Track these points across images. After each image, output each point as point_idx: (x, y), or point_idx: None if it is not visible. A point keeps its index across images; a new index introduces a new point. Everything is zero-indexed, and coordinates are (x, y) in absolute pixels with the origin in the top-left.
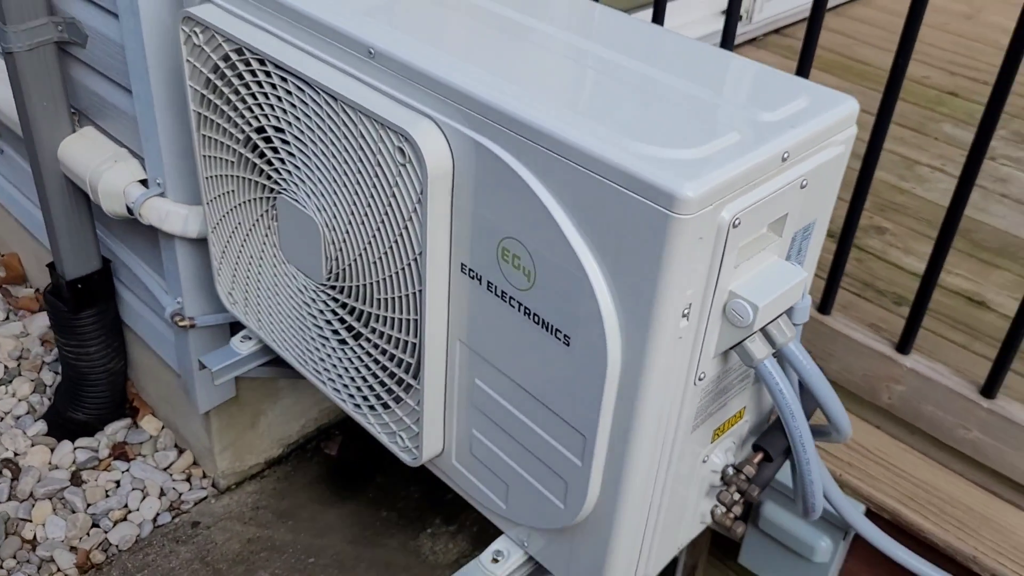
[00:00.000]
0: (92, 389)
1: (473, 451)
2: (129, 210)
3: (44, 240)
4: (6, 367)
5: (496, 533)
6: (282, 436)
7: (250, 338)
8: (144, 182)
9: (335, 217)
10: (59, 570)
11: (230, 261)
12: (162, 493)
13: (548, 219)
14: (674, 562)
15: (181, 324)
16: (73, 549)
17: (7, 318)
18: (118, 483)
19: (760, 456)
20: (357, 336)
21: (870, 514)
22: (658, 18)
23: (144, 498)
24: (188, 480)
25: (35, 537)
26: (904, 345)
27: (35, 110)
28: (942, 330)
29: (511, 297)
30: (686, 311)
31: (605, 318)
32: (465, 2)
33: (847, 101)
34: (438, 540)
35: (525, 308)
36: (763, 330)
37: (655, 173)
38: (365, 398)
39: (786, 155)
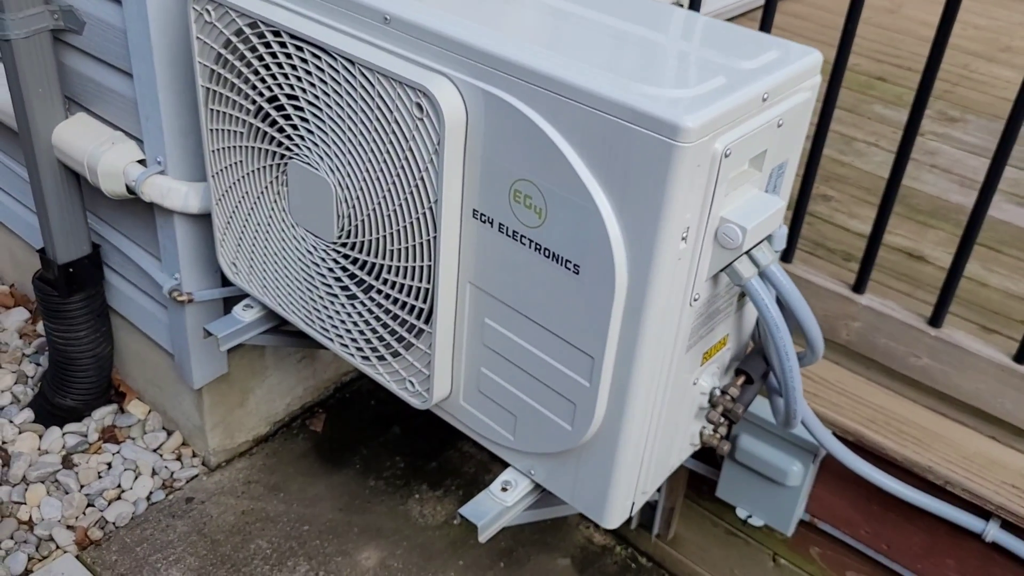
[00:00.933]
0: (80, 374)
1: (481, 388)
2: (129, 189)
3: (19, 232)
4: None
5: (480, 491)
6: (269, 414)
7: (251, 306)
8: (142, 162)
9: (349, 176)
10: (59, 547)
11: (235, 231)
12: (154, 472)
13: (560, 158)
14: (653, 507)
15: (180, 299)
16: (71, 528)
17: None
18: (110, 465)
19: (743, 379)
20: (368, 289)
21: (836, 437)
22: None
23: (137, 477)
24: (179, 459)
25: (31, 518)
26: (859, 285)
27: (31, 97)
28: (888, 281)
29: (522, 235)
30: (684, 234)
31: (613, 244)
32: None
33: (812, 53)
34: (426, 504)
35: (536, 244)
36: (748, 253)
37: (659, 108)
38: (374, 349)
39: (766, 96)
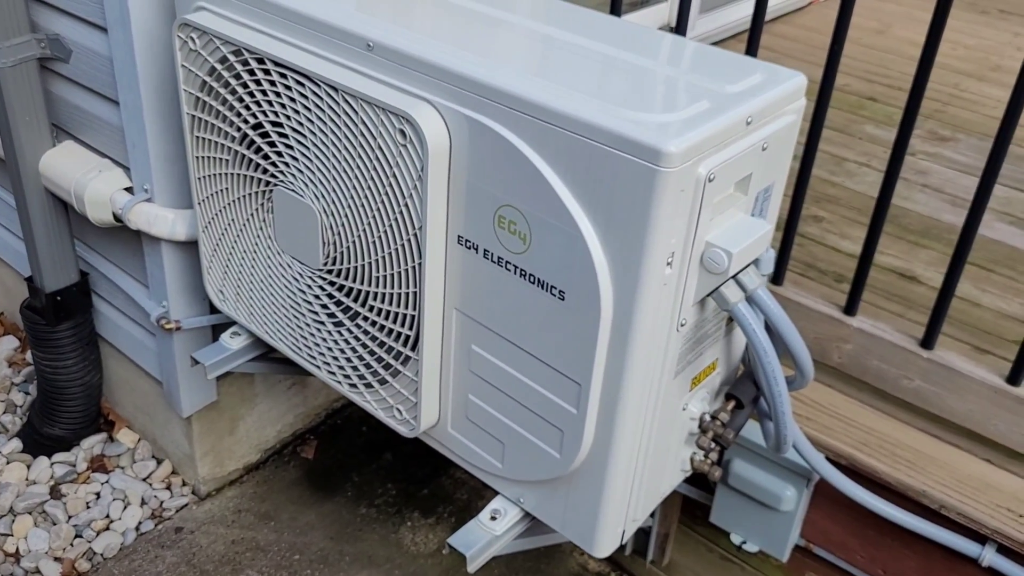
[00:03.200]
0: (69, 403)
1: (469, 416)
2: (116, 217)
3: (8, 260)
4: None
5: (472, 518)
6: (260, 441)
7: (239, 334)
8: (129, 190)
9: (334, 203)
10: None
11: (221, 258)
12: (143, 502)
13: (544, 184)
14: (647, 532)
15: (167, 327)
16: (58, 559)
17: None
18: (98, 495)
19: (733, 404)
20: (354, 316)
21: (829, 461)
22: (615, 11)
23: (126, 507)
24: (168, 488)
25: (18, 550)
26: (851, 307)
27: (18, 125)
28: (879, 302)
29: (507, 262)
30: (670, 260)
31: (598, 270)
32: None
33: (797, 76)
34: (418, 532)
35: (521, 270)
36: (735, 278)
37: (642, 133)
38: (361, 376)
39: (750, 120)
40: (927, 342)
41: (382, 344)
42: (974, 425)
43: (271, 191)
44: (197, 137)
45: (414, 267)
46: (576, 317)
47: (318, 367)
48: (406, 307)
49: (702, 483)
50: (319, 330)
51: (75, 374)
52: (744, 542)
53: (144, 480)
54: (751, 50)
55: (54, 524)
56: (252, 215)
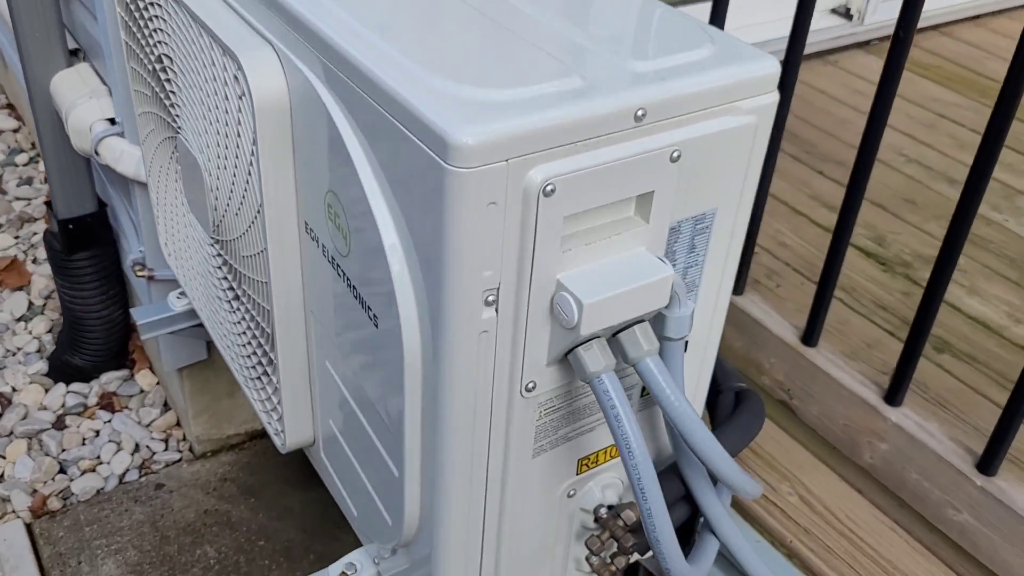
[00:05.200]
0: (88, 335)
1: (327, 445)
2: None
3: None
4: (32, 303)
5: None
6: None
7: (185, 295)
8: (113, 120)
9: (209, 160)
10: (12, 511)
11: (162, 208)
12: (136, 449)
13: (351, 168)
14: None
15: (140, 274)
16: (33, 492)
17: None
18: (97, 432)
19: None
20: (237, 298)
21: None
22: None
23: (117, 451)
24: (165, 441)
25: (3, 475)
26: (893, 395)
27: (27, 41)
28: (973, 378)
29: (337, 263)
30: (490, 298)
31: (399, 295)
32: None
33: (764, 60)
34: None
35: (347, 278)
36: (616, 337)
37: (433, 110)
38: (245, 368)
39: (641, 113)
40: (985, 464)
41: (255, 337)
42: None
43: (177, 139)
44: (131, 68)
45: (261, 252)
46: (386, 352)
47: (223, 348)
48: (263, 298)
49: None
50: (220, 307)
51: (94, 307)
52: None
53: (146, 427)
54: (718, 18)
55: (46, 455)
56: (168, 163)
